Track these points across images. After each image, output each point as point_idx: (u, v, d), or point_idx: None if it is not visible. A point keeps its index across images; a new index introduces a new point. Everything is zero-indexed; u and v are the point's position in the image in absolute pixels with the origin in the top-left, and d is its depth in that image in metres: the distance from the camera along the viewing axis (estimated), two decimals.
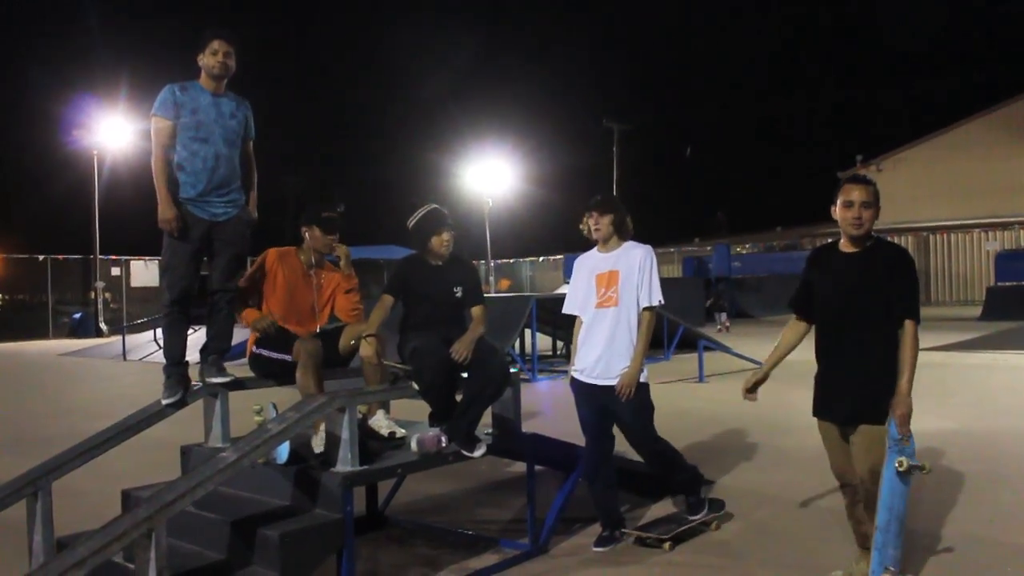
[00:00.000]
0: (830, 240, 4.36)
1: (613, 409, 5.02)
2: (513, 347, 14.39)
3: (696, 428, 8.48)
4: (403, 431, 4.98)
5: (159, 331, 21.49)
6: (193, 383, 5.03)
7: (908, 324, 3.91)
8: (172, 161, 4.84)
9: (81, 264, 34.08)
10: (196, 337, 5.45)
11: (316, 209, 5.30)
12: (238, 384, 5.03)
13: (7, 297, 35.29)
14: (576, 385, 5.15)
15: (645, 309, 4.97)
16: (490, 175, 42.50)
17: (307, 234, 5.27)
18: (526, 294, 19.69)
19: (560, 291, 24.89)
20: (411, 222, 5.04)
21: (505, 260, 49.06)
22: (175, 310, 4.92)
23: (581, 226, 5.14)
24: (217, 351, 5.05)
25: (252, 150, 5.13)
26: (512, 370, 4.99)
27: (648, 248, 5.06)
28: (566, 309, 5.27)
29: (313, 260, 5.30)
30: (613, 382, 4.96)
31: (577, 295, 5.20)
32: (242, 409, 5.32)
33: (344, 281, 5.40)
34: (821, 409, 4.23)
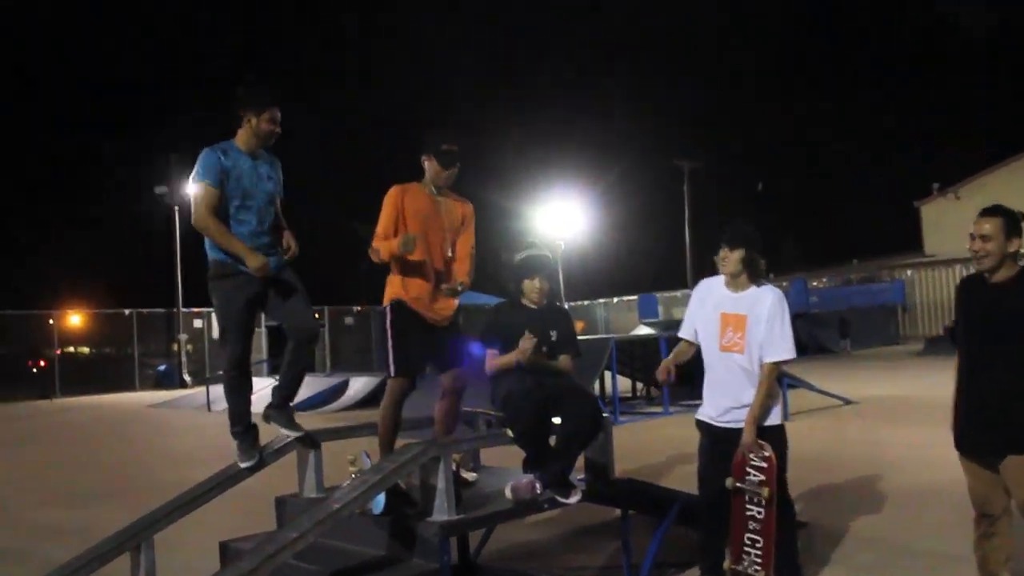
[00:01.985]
0: (946, 271, 4.29)
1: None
2: (593, 389, 14.30)
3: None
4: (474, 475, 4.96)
5: None
6: (285, 432, 5.06)
7: None
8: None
9: (164, 318, 34.81)
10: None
11: (436, 138, 5.08)
12: (316, 437, 5.04)
13: (95, 351, 36.26)
14: (703, 427, 4.82)
15: (769, 363, 4.57)
16: (561, 217, 42.61)
17: (426, 164, 5.09)
18: (605, 335, 19.59)
19: (638, 332, 24.71)
20: (511, 257, 5.04)
21: (579, 302, 49.00)
22: (236, 373, 4.96)
23: (716, 258, 4.76)
24: (286, 397, 5.06)
25: (281, 208, 5.12)
26: (604, 415, 4.94)
27: (780, 296, 4.68)
28: (682, 332, 4.95)
29: (434, 190, 5.10)
30: (739, 425, 4.63)
31: (695, 324, 4.85)
32: (333, 456, 5.34)
33: (467, 224, 5.22)
34: (966, 441, 4.11)
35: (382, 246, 4.91)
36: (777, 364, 4.56)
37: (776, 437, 4.56)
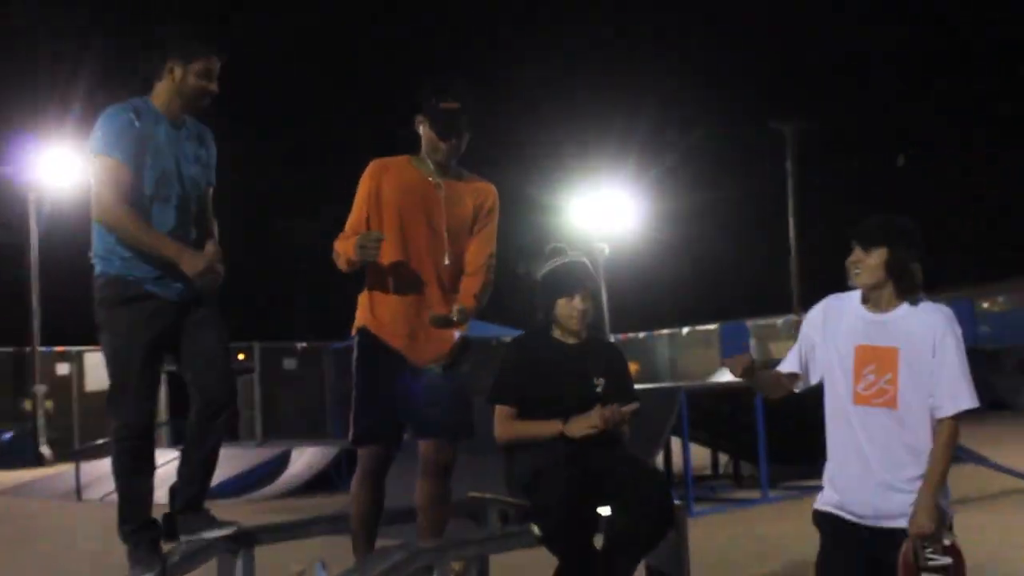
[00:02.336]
0: None
1: (892, 562, 4.53)
2: (654, 464, 14.29)
3: None
4: None
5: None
6: (183, 538, 5.08)
7: None
8: None
9: (11, 361, 34.86)
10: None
11: (429, 92, 5.14)
12: (247, 537, 5.07)
13: None
14: (829, 523, 4.71)
15: (951, 416, 4.46)
16: (605, 210, 42.60)
17: (420, 129, 5.16)
18: (670, 384, 19.54)
19: (720, 378, 24.68)
20: (531, 269, 5.08)
21: (631, 334, 48.94)
22: (135, 443, 5.00)
23: (848, 262, 4.68)
24: (196, 497, 5.11)
25: (211, 199, 5.22)
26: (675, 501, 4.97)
27: (950, 316, 4.59)
28: (784, 365, 4.92)
29: (432, 167, 5.17)
30: (895, 523, 4.51)
31: (809, 356, 4.79)
32: (271, 569, 5.36)
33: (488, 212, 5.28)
34: None
35: (340, 247, 4.98)
36: (959, 419, 4.47)
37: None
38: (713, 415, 16.22)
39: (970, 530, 10.78)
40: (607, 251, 43.03)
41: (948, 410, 4.44)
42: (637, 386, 5.88)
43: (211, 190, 5.20)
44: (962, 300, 36.77)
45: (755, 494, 14.28)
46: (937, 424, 4.47)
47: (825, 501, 4.70)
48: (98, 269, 4.96)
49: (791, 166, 41.81)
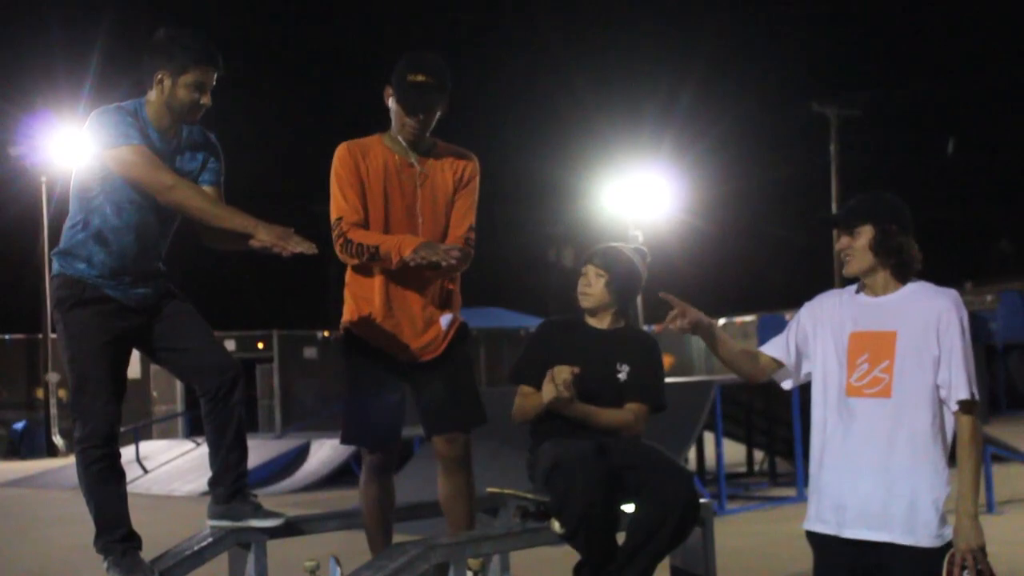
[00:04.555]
0: None
1: None
2: (687, 460, 14.27)
3: None
4: None
5: (141, 446, 22.12)
6: (211, 524, 5.12)
7: None
8: (91, 224, 4.95)
9: (23, 348, 35.04)
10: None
11: (401, 66, 5.08)
12: (292, 528, 5.10)
13: None
14: (819, 543, 4.51)
15: (961, 408, 4.27)
16: (638, 194, 42.55)
17: (389, 103, 5.14)
18: (703, 378, 19.51)
19: None
20: (566, 258, 5.11)
21: (665, 325, 48.85)
22: (102, 451, 4.98)
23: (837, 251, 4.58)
24: (238, 478, 5.15)
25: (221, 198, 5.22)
26: (702, 499, 4.96)
27: (954, 296, 4.39)
28: (768, 347, 4.76)
29: (404, 145, 5.13)
30: (897, 538, 4.29)
31: (803, 347, 4.62)
32: (284, 564, 5.38)
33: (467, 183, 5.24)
34: None
35: (392, 245, 4.88)
36: (975, 406, 4.27)
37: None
38: (749, 410, 16.23)
39: (1021, 533, 10.75)
40: (640, 237, 43.05)
41: (961, 394, 4.24)
42: (670, 379, 5.88)
43: (219, 192, 5.18)
44: (1012, 292, 36.45)
45: (791, 492, 14.26)
46: (957, 413, 4.28)
47: (814, 519, 4.50)
48: (56, 268, 4.99)
49: (835, 148, 41.63)
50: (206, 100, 4.98)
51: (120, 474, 5.08)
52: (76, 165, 5.06)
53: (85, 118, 5.00)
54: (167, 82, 4.92)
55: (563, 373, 4.87)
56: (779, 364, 4.67)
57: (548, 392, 4.90)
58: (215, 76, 5.01)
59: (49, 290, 5.03)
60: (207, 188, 5.11)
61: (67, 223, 5.02)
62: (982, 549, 4.22)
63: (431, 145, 5.18)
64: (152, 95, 4.99)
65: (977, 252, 57.02)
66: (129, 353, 5.12)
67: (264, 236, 4.70)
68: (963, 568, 4.20)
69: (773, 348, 4.70)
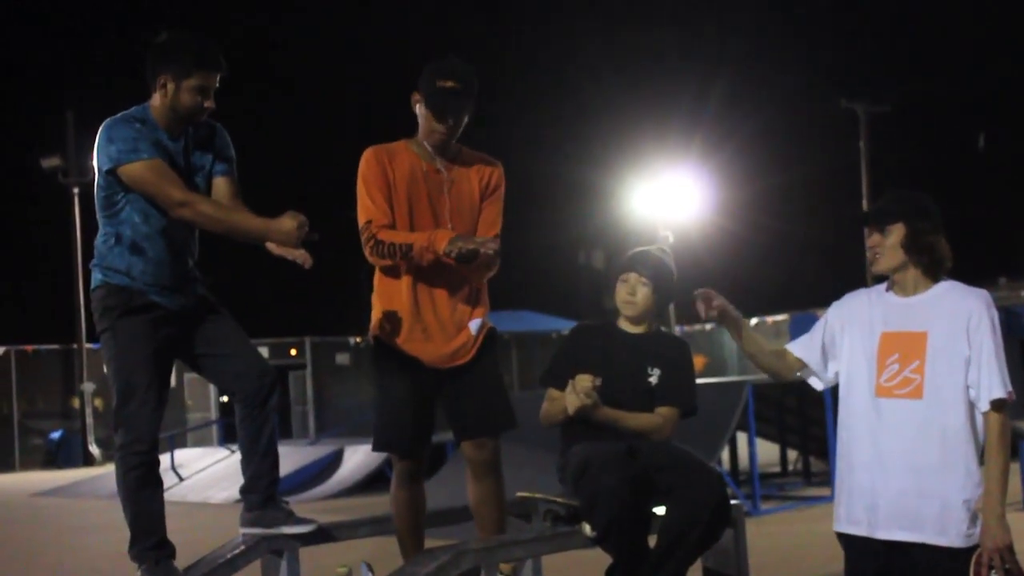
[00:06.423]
0: None
1: None
2: (720, 461, 14.24)
3: None
4: None
5: (176, 454, 22.19)
6: (244, 532, 5.17)
7: None
8: (124, 236, 4.98)
9: (60, 358, 35.12)
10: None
11: (430, 72, 5.08)
12: (324, 534, 5.12)
13: None
14: (850, 544, 4.54)
15: (992, 407, 4.26)
16: (670, 198, 42.44)
17: (417, 108, 5.14)
18: (736, 379, 19.46)
19: None
20: (595, 261, 5.12)
21: (695, 326, 48.74)
22: (144, 459, 5.01)
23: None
24: (270, 484, 5.19)
25: (237, 191, 5.24)
26: (733, 501, 4.96)
27: (984, 297, 4.40)
28: (791, 346, 4.82)
29: (431, 151, 5.14)
30: (930, 539, 4.30)
31: (831, 347, 4.65)
32: (318, 569, 5.40)
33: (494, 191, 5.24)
34: None
35: (430, 242, 4.88)
36: (1005, 406, 4.27)
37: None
38: (782, 409, 16.18)
39: None
40: (671, 238, 42.96)
41: (984, 403, 4.26)
42: (702, 380, 5.87)
43: (232, 182, 5.21)
44: None
45: (825, 491, 14.15)
46: (987, 414, 4.28)
47: (843, 519, 4.53)
48: (99, 279, 5.00)
49: (865, 145, 41.45)
50: (210, 103, 5.02)
51: (158, 481, 5.10)
52: (95, 182, 5.07)
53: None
54: (170, 86, 4.95)
55: (584, 382, 4.88)
56: (804, 364, 4.71)
57: (572, 403, 4.91)
58: (218, 79, 5.04)
59: (93, 301, 5.02)
60: (220, 180, 5.16)
61: (98, 239, 5.05)
62: (1010, 548, 4.24)
63: (457, 151, 5.19)
64: (156, 99, 5.01)
65: (1011, 247, 56.54)
66: (172, 361, 5.15)
67: (277, 250, 4.85)
68: (991, 568, 4.22)
69: (798, 347, 4.75)
